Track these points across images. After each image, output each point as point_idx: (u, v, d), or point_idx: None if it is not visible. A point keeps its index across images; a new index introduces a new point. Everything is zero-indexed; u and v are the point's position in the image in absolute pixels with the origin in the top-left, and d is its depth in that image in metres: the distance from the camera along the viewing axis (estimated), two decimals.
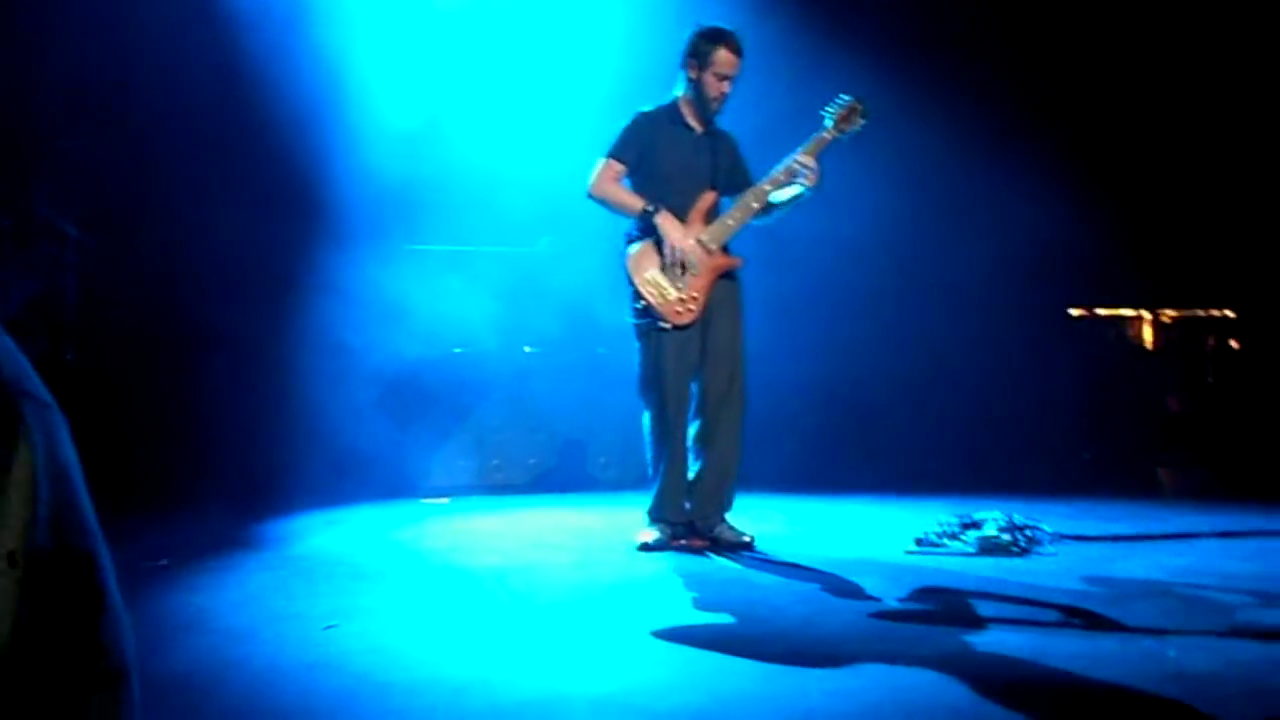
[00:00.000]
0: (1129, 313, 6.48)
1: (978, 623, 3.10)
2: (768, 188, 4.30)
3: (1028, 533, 4.37)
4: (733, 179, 4.43)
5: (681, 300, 4.24)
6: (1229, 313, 6.43)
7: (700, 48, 4.30)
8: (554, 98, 6.32)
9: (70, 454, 0.54)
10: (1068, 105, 6.76)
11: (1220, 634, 2.91)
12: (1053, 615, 3.17)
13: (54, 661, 0.49)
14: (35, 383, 0.54)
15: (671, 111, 4.40)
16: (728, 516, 4.36)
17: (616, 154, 4.33)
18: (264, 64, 5.78)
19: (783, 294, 6.45)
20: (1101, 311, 6.57)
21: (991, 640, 2.86)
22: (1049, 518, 4.69)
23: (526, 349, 6.37)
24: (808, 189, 4.25)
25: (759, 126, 4.84)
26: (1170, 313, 6.42)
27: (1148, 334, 6.43)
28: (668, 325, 4.23)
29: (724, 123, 4.50)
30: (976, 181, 6.78)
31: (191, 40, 5.64)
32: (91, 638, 0.52)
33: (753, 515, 4.62)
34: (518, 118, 6.37)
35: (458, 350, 6.20)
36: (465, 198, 6.19)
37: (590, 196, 4.34)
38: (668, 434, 4.28)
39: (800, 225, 5.76)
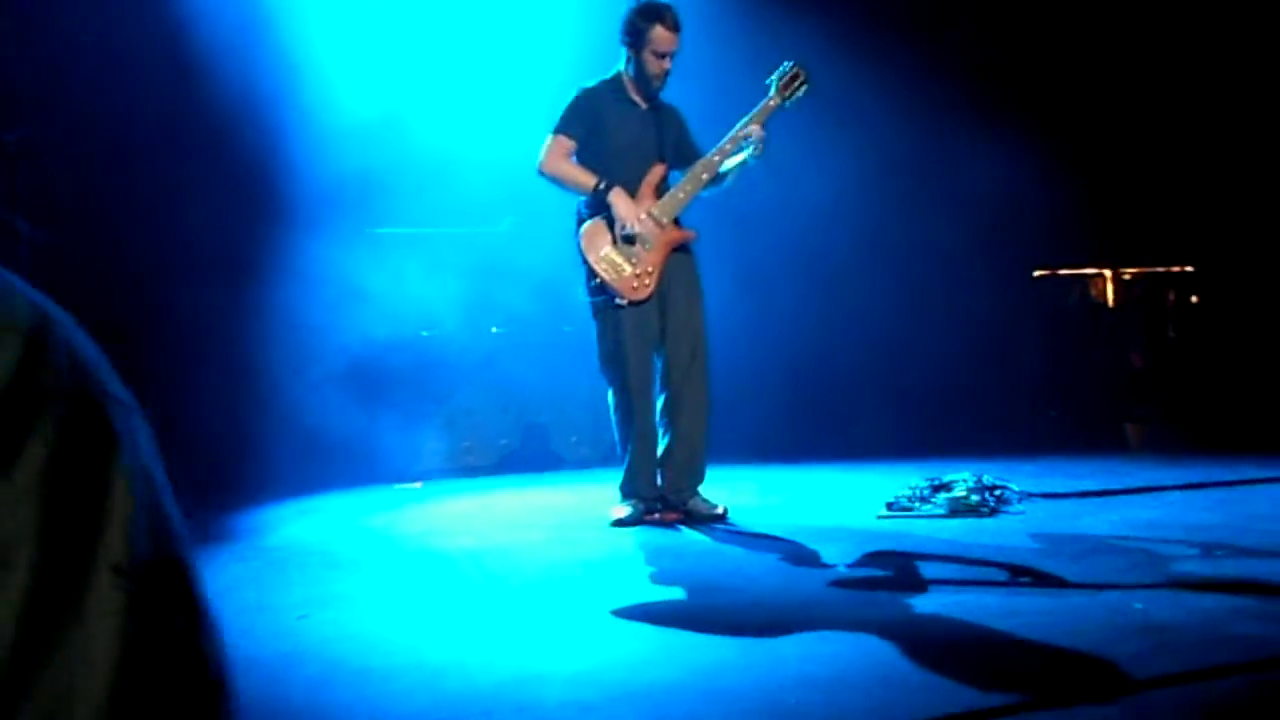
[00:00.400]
0: (1090, 271, 6.53)
1: (949, 584, 3.14)
2: (716, 158, 4.30)
3: (996, 493, 4.43)
4: (680, 151, 4.43)
5: (636, 276, 4.24)
6: (1188, 268, 6.50)
7: (636, 25, 4.26)
8: (512, 76, 6.26)
9: (155, 456, 0.53)
10: (1023, 66, 6.79)
11: (1185, 585, 2.96)
12: (1022, 574, 3.22)
13: (164, 677, 0.49)
14: (118, 384, 0.54)
15: (615, 87, 4.38)
16: (700, 489, 4.38)
17: (565, 129, 4.31)
18: (218, 51, 5.68)
19: (748, 263, 6.46)
20: (1064, 271, 6.62)
21: (963, 601, 2.90)
22: (1017, 477, 4.75)
23: (494, 329, 6.35)
24: (754, 157, 4.25)
25: (714, 94, 4.82)
26: (1131, 270, 6.48)
27: (1109, 292, 6.49)
28: (624, 302, 4.24)
29: (676, 94, 4.48)
30: (935, 146, 6.80)
31: (144, 29, 5.54)
32: (195, 649, 0.52)
33: (724, 486, 4.64)
34: (477, 97, 6.31)
35: (425, 333, 6.16)
36: (427, 180, 6.14)
37: (541, 173, 4.32)
38: (633, 410, 4.29)
39: (764, 194, 5.78)
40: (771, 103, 4.29)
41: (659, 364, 4.35)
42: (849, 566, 3.41)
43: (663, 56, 4.26)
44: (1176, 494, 4.55)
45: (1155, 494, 4.56)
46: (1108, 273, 6.51)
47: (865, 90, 6.39)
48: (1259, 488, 4.63)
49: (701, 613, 2.95)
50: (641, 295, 4.25)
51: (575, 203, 4.40)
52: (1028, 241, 6.81)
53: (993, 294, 6.82)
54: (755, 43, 5.78)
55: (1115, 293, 6.49)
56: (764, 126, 4.25)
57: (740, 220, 6.05)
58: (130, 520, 0.48)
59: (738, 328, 5.76)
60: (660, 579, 3.37)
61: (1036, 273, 6.71)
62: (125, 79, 5.47)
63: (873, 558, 3.51)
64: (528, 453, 6.27)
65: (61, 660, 0.44)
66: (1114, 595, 2.89)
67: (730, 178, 4.36)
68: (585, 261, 4.28)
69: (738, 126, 4.28)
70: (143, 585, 0.48)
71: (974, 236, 6.75)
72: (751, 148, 4.22)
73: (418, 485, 5.77)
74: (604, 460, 5.65)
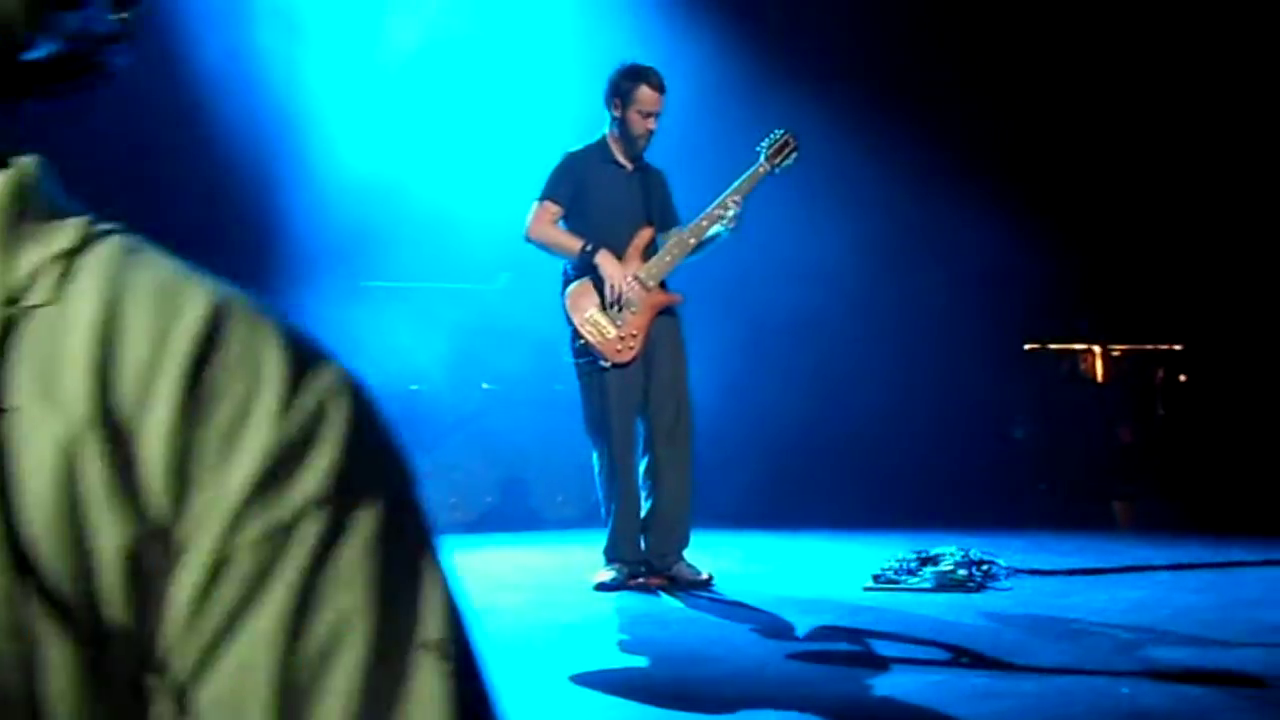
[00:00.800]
0: (1080, 347, 6.56)
1: (934, 662, 3.09)
2: (705, 224, 4.33)
3: (984, 568, 4.38)
4: (664, 215, 4.46)
5: (621, 338, 4.24)
6: (1177, 346, 6.53)
7: (622, 86, 4.31)
8: (512, 134, 6.31)
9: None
10: (1018, 143, 6.87)
11: (1172, 671, 2.92)
12: (1008, 653, 3.17)
13: None
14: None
15: (601, 150, 4.42)
16: (685, 554, 4.33)
17: (550, 195, 4.34)
18: (220, 106, 5.74)
19: (735, 328, 6.47)
20: (1054, 346, 6.64)
21: (946, 681, 2.85)
22: (1005, 551, 4.70)
23: (484, 386, 6.32)
24: (726, 231, 4.28)
25: (706, 160, 4.86)
26: (1120, 346, 6.51)
27: (1099, 367, 6.51)
28: (608, 364, 4.23)
29: (669, 157, 4.52)
30: (929, 218, 6.85)
31: (146, 81, 5.57)
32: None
33: (710, 551, 4.59)
34: (476, 156, 6.35)
35: (414, 387, 6.14)
36: (424, 236, 6.15)
37: (528, 240, 4.35)
38: (617, 473, 4.26)
39: (753, 260, 5.80)
40: (761, 169, 4.33)
41: (642, 427, 4.33)
42: (832, 641, 3.36)
43: (648, 116, 4.30)
44: (1165, 574, 4.51)
45: (1143, 573, 4.52)
46: (1097, 349, 6.53)
47: (860, 160, 6.45)
48: (1247, 570, 4.60)
49: (678, 684, 2.89)
50: (626, 358, 4.24)
51: (566, 262, 4.41)
52: (1019, 314, 6.84)
53: (983, 366, 6.83)
54: (750, 109, 5.84)
55: (1105, 369, 6.51)
56: (752, 193, 4.29)
57: (727, 285, 6.06)
58: (444, 595, 0.46)
59: (724, 392, 5.75)
60: (638, 647, 3.31)
61: (1026, 346, 6.73)
62: (123, 128, 5.49)
63: (856, 633, 3.46)
64: (508, 510, 6.21)
65: None
66: (1100, 680, 2.84)
67: (705, 248, 4.39)
68: (570, 323, 4.28)
69: (726, 192, 4.32)
70: (455, 664, 0.46)
71: (965, 308, 6.78)
72: (725, 223, 4.25)
73: None
74: (592, 521, 5.60)
